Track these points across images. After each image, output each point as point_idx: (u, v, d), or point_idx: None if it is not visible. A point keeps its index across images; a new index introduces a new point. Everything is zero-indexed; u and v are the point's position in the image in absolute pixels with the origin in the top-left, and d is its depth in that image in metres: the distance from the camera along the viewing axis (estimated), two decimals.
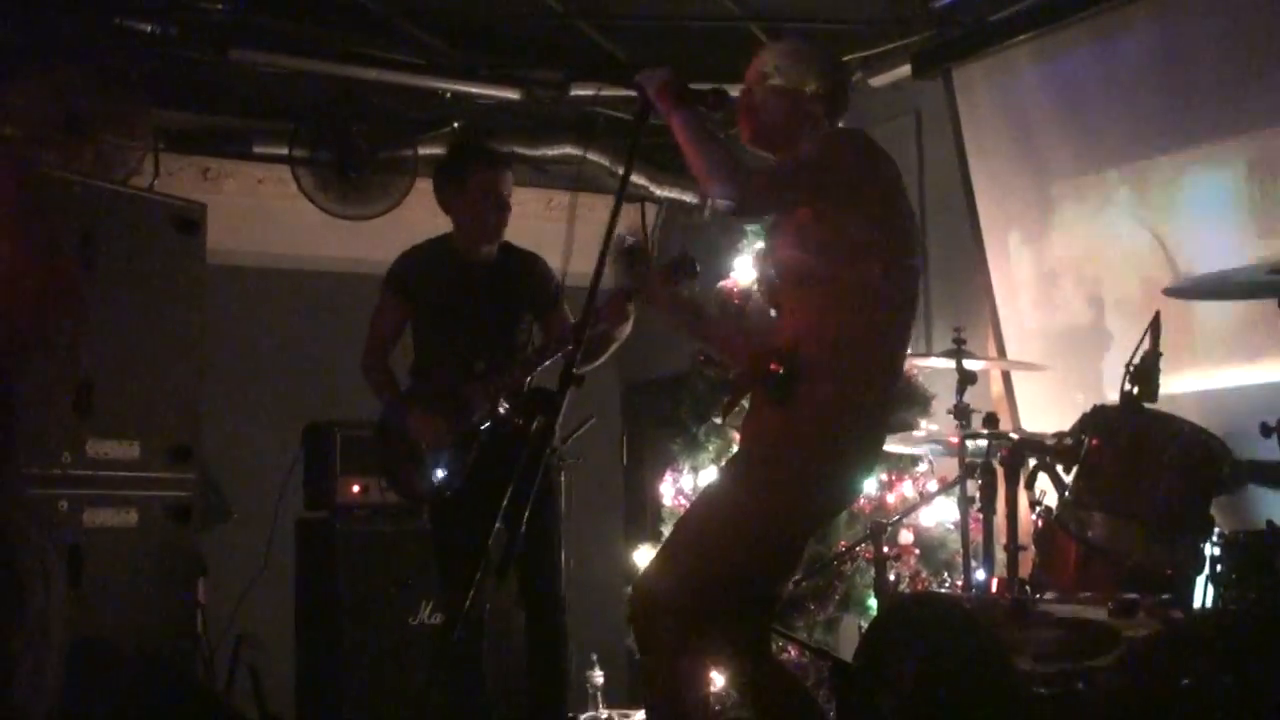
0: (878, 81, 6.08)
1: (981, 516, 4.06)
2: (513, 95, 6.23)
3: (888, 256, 3.15)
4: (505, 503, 3.12)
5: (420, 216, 6.66)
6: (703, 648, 3.15)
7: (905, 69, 5.94)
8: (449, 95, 6.22)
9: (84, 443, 4.44)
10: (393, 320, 4.58)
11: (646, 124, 3.31)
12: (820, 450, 3.09)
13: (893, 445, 4.58)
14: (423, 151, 6.35)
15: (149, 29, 5.39)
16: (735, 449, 3.39)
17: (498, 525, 3.15)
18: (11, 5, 5.23)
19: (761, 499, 3.10)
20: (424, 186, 6.98)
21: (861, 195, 3.14)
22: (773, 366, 3.07)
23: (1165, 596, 3.48)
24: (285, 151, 6.17)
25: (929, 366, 4.82)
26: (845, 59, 5.94)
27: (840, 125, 3.37)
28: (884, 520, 4.56)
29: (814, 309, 3.14)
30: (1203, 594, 3.59)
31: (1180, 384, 3.77)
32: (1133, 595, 3.40)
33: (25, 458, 4.20)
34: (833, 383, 3.07)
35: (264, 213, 6.71)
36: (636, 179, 6.99)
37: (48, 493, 4.32)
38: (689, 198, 7.09)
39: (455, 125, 6.59)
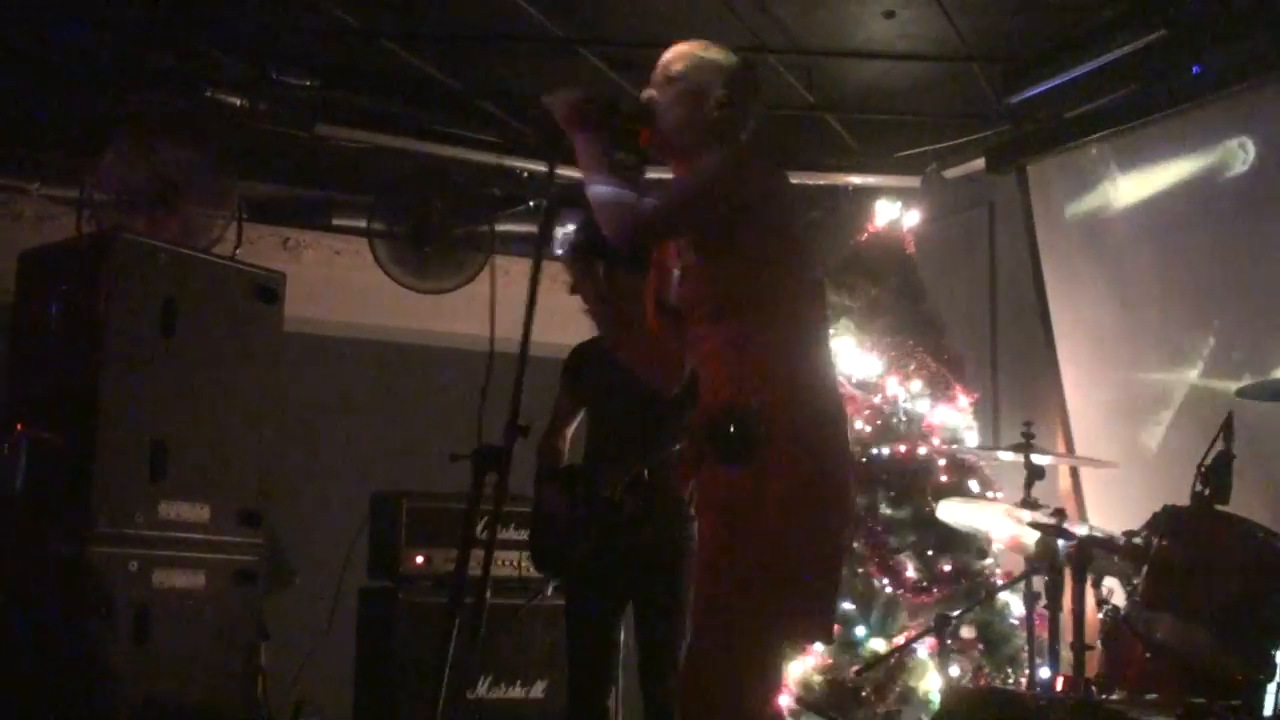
0: (952, 174, 6.12)
1: (1047, 613, 4.02)
2: None
3: (794, 271, 2.94)
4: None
5: (495, 292, 6.73)
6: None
7: (979, 162, 5.97)
8: (527, 175, 6.32)
9: (157, 504, 4.51)
10: (565, 406, 4.45)
11: (559, 155, 3.03)
12: (803, 492, 2.79)
13: (960, 525, 4.55)
14: (499, 229, 6.43)
15: (239, 103, 5.56)
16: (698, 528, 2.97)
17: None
18: (109, 78, 5.42)
19: (764, 560, 2.76)
20: (500, 263, 7.10)
21: (761, 212, 2.91)
22: (730, 429, 2.79)
23: (1235, 702, 3.41)
24: (364, 224, 6.28)
25: (997, 459, 4.78)
26: (920, 150, 6.02)
27: (744, 143, 3.10)
28: (948, 613, 4.51)
29: (734, 342, 2.88)
30: (1273, 701, 3.51)
31: (1251, 485, 3.72)
32: (1201, 700, 3.34)
33: (100, 516, 4.32)
34: (786, 419, 2.79)
35: (341, 283, 6.84)
36: None
37: (120, 551, 4.39)
38: None
39: (531, 204, 6.68)
